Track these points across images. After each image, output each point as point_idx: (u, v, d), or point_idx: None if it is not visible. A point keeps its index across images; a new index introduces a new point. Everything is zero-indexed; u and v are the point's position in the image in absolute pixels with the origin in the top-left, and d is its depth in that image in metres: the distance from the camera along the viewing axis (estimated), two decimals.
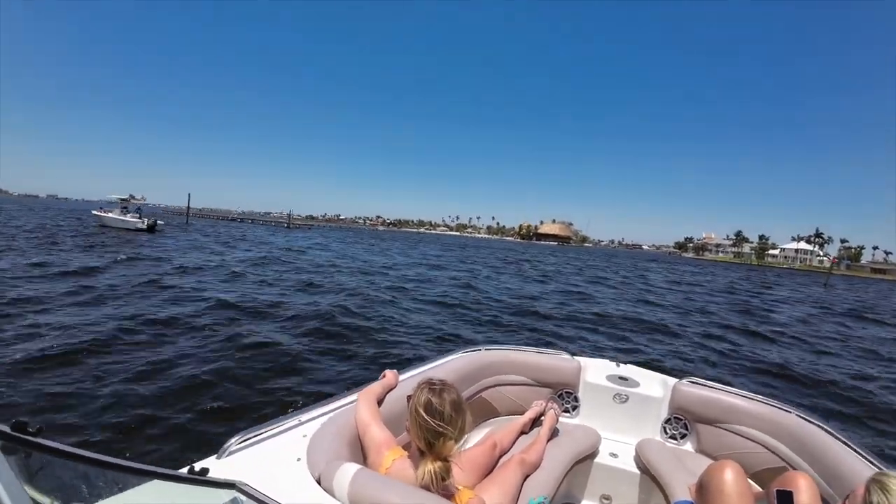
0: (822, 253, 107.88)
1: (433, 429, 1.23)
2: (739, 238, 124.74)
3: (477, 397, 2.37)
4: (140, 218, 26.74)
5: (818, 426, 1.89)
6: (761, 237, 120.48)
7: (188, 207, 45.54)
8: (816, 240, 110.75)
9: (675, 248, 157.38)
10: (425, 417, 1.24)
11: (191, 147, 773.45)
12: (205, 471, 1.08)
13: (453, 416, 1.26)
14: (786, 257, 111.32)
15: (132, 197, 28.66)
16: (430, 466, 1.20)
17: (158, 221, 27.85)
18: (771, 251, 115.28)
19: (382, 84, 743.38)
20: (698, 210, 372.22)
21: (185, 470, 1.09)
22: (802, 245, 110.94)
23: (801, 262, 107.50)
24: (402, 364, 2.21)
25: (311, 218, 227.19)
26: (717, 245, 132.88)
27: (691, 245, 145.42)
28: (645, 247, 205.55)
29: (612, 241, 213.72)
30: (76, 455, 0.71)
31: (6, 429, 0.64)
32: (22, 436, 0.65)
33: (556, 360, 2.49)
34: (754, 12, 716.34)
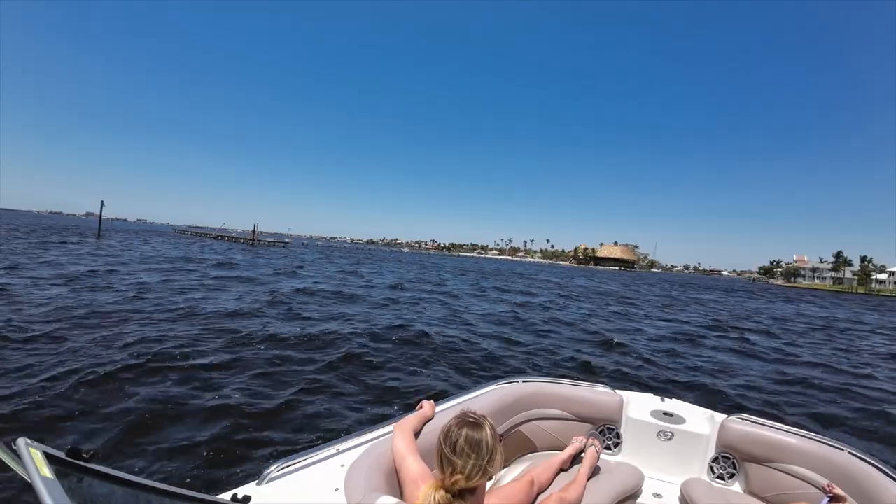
0: None
1: (456, 461, 1.24)
2: (840, 260, 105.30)
3: (514, 431, 2.31)
4: None
5: (872, 465, 1.81)
6: (863, 258, 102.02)
7: (100, 217, 41.46)
8: None
9: (760, 273, 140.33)
10: (443, 447, 1.27)
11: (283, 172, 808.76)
12: (247, 498, 1.13)
13: (467, 451, 1.24)
14: None
15: None
16: (435, 495, 1.19)
17: None
18: (878, 275, 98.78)
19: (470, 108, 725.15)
20: (784, 231, 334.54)
21: (228, 497, 1.14)
22: None
23: None
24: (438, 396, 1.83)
25: (372, 242, 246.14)
26: (814, 269, 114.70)
27: (779, 270, 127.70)
28: (724, 272, 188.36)
29: (687, 267, 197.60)
30: (123, 480, 0.75)
31: (62, 455, 0.69)
32: (76, 461, 0.69)
33: (597, 394, 2.41)
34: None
